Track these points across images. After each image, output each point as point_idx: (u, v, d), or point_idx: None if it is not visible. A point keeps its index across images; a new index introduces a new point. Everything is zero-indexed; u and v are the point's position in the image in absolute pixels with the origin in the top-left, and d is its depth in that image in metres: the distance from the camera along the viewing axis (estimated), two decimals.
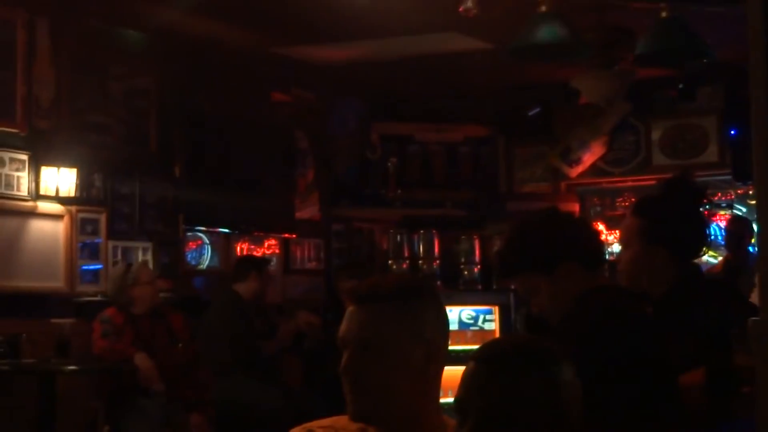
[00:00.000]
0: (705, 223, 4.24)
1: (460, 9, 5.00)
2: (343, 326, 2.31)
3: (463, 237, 9.18)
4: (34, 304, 6.73)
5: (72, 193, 6.98)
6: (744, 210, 9.49)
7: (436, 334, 2.33)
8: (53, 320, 6.71)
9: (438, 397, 2.35)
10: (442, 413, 2.34)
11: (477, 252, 9.11)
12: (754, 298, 3.60)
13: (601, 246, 3.33)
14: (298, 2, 6.45)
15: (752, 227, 8.59)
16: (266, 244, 8.88)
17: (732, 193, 9.50)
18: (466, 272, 9.13)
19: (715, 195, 9.58)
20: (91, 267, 7.21)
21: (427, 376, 2.30)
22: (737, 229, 8.53)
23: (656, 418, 2.99)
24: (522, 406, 1.98)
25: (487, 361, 2.05)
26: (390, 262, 9.07)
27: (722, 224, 9.30)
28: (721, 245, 9.02)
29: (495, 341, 2.26)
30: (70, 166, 6.95)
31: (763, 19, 2.57)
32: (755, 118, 2.51)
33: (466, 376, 2.06)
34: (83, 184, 7.07)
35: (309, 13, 6.70)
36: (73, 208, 7.06)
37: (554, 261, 3.20)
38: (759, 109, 2.50)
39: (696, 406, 3.37)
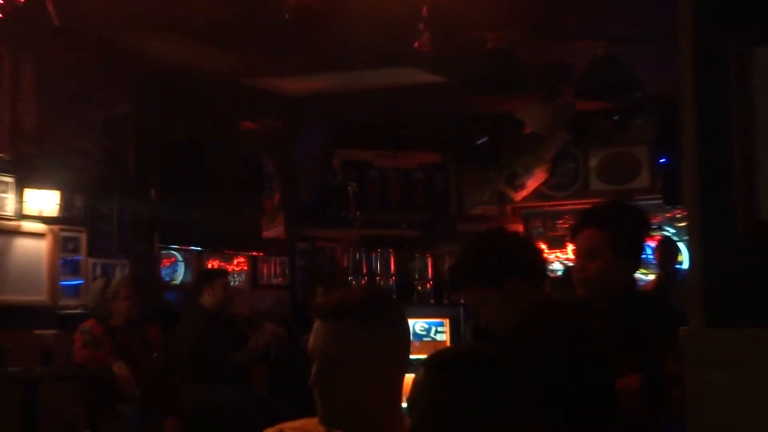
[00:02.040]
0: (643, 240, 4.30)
1: (416, 44, 5.02)
2: (312, 340, 2.30)
3: (416, 255, 9.25)
4: (19, 317, 6.67)
5: (54, 214, 6.95)
6: (672, 231, 9.57)
7: (398, 344, 2.34)
8: (37, 331, 6.61)
9: (400, 402, 2.35)
10: (403, 417, 2.34)
11: (429, 269, 9.17)
12: None
13: (544, 263, 3.40)
14: (267, 37, 6.45)
15: (678, 247, 8.68)
16: (235, 261, 8.85)
17: (661, 216, 9.56)
18: (419, 288, 9.19)
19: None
20: (73, 282, 7.16)
21: (390, 384, 2.31)
22: (666, 249, 8.61)
23: (592, 421, 3.01)
24: (461, 409, 1.96)
25: (432, 367, 2.05)
26: (350, 278, 9.11)
27: (652, 244, 9.38)
28: (652, 263, 9.08)
29: (443, 350, 2.26)
30: (53, 188, 6.92)
31: (694, 60, 2.62)
32: (685, 149, 2.57)
33: (415, 381, 2.06)
34: (65, 204, 7.04)
35: (277, 47, 6.70)
36: (56, 227, 7.01)
37: (502, 276, 3.23)
38: (688, 141, 2.56)
39: (631, 409, 3.40)
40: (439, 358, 2.11)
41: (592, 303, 3.49)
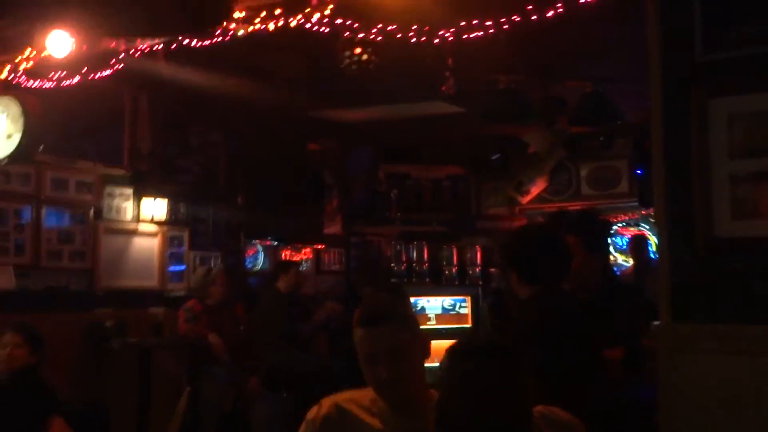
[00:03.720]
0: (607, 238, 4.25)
1: (443, 88, 4.98)
2: (370, 345, 2.23)
3: (444, 247, 9.19)
4: (136, 298, 6.74)
5: (163, 218, 7.02)
6: (647, 227, 9.45)
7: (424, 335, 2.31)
8: (150, 310, 6.71)
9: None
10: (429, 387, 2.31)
11: (455, 257, 9.11)
12: None
13: (542, 265, 3.10)
14: (327, 80, 6.45)
15: (648, 241, 8.58)
16: (303, 252, 8.86)
17: (638, 214, 9.46)
18: (446, 272, 9.14)
19: (626, 215, 9.59)
20: (178, 270, 7.22)
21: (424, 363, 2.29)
22: (638, 241, 8.50)
23: (584, 381, 2.97)
24: (477, 391, 1.92)
25: (455, 353, 2.01)
26: (392, 264, 9.09)
27: (627, 237, 9.28)
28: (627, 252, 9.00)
29: (463, 338, 2.18)
30: (162, 197, 6.98)
31: (661, 94, 2.58)
32: (654, 163, 2.53)
33: (441, 363, 2.02)
34: (172, 210, 7.10)
35: (334, 86, 6.69)
36: (165, 228, 7.08)
37: (506, 267, 3.22)
38: (657, 157, 2.52)
39: (616, 375, 3.36)
40: (461, 346, 2.07)
41: (575, 293, 3.45)
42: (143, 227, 6.89)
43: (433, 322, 8.90)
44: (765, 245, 2.38)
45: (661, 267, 2.49)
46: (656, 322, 2.53)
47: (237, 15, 4.43)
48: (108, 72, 4.86)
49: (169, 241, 7.10)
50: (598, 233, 3.88)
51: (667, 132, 2.51)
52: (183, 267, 7.22)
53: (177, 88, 6.69)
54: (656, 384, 2.61)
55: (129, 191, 6.77)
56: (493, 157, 9.28)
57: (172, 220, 7.10)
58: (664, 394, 2.46)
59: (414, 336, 2.27)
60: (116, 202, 6.68)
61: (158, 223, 6.98)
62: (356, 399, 2.36)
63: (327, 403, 2.36)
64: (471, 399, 1.92)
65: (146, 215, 6.87)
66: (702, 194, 2.44)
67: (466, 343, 2.09)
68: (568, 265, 3.18)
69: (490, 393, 1.91)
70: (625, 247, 9.20)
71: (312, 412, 2.36)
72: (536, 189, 9.37)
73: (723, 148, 2.44)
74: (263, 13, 4.36)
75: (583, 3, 4.32)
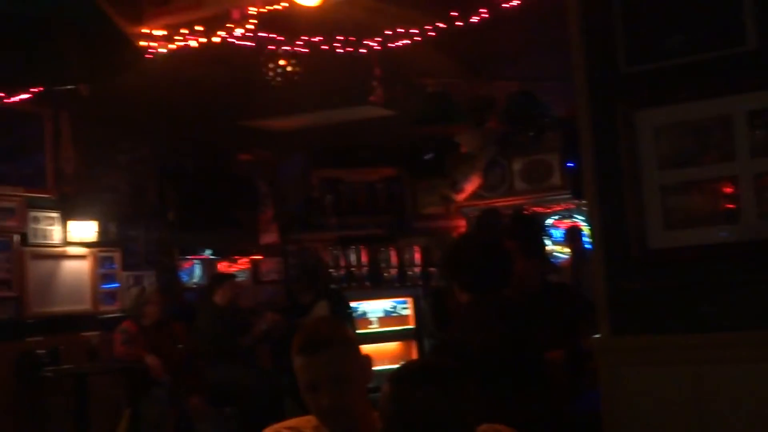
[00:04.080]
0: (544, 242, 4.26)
1: (372, 98, 4.94)
2: (311, 373, 2.15)
3: (382, 249, 9.16)
4: (68, 323, 6.57)
5: (93, 239, 6.84)
6: (581, 217, 9.56)
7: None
8: (83, 334, 6.53)
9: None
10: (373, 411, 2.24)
11: (394, 259, 9.09)
12: None
13: (482, 276, 3.09)
14: (256, 90, 6.34)
15: (582, 232, 8.68)
16: (240, 263, 8.73)
17: (573, 205, 9.56)
18: (386, 274, 9.11)
19: (560, 207, 9.70)
20: (110, 291, 7.04)
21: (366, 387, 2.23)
22: (573, 234, 8.60)
23: (527, 384, 2.96)
24: (421, 417, 1.88)
25: (397, 381, 1.95)
26: (331, 270, 9.01)
27: (563, 229, 9.37)
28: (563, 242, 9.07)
29: (406, 364, 2.11)
30: (91, 218, 6.81)
31: (588, 106, 2.57)
32: (584, 157, 2.52)
33: (383, 392, 1.97)
34: (101, 231, 6.91)
35: (264, 96, 6.59)
36: (95, 250, 6.90)
37: (449, 278, 3.20)
38: (586, 151, 2.51)
39: (559, 377, 3.36)
40: (402, 372, 2.03)
41: (516, 299, 3.43)
42: (72, 250, 6.71)
43: (376, 325, 8.89)
44: (698, 253, 2.39)
45: (597, 281, 2.49)
46: (597, 335, 2.52)
47: (157, 33, 4.33)
48: (26, 96, 4.71)
49: (100, 263, 6.92)
50: (534, 237, 3.89)
51: (596, 144, 2.50)
52: (117, 285, 7.04)
53: (100, 106, 6.53)
54: (599, 389, 2.61)
55: (55, 214, 6.58)
56: (426, 157, 9.27)
57: (102, 241, 6.93)
58: (607, 407, 2.46)
59: (356, 361, 2.21)
60: (42, 226, 6.48)
61: (88, 245, 6.80)
62: (299, 427, 2.29)
63: None
64: (412, 426, 1.89)
65: (75, 237, 6.68)
66: (634, 206, 2.44)
67: (406, 369, 2.05)
68: (509, 273, 3.17)
69: (431, 419, 1.88)
70: (561, 239, 9.29)
71: None
72: (471, 186, 9.39)
73: (652, 159, 2.44)
74: (183, 30, 4.27)
75: (506, 7, 4.34)
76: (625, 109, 2.45)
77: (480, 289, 3.06)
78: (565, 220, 9.69)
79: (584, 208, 9.34)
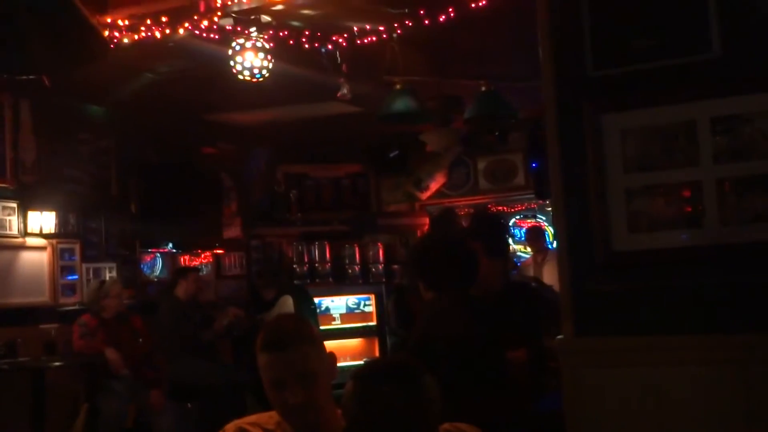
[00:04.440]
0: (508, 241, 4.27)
1: (338, 95, 4.91)
2: (276, 370, 2.13)
3: (347, 245, 9.13)
4: (26, 315, 6.45)
5: (53, 230, 6.72)
6: (543, 217, 9.65)
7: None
8: (41, 326, 6.42)
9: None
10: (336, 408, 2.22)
11: (357, 255, 9.06)
12: None
13: (446, 275, 3.14)
14: (222, 84, 6.28)
15: (544, 232, 8.76)
16: (203, 257, 8.66)
17: (535, 205, 9.64)
18: (350, 270, 9.08)
19: (523, 206, 9.77)
20: (70, 283, 6.93)
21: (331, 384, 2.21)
22: (535, 231, 8.67)
23: (487, 383, 2.97)
24: (382, 413, 1.88)
25: (360, 378, 1.96)
26: (295, 266, 8.97)
27: (524, 228, 9.45)
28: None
29: (369, 362, 2.13)
30: (50, 209, 6.69)
31: (555, 109, 2.58)
32: (550, 158, 2.53)
33: (346, 389, 1.97)
34: (61, 222, 6.81)
35: (229, 90, 6.54)
36: (54, 241, 6.78)
37: (415, 277, 3.23)
38: (552, 153, 2.52)
39: (520, 378, 3.38)
40: (366, 370, 2.02)
41: (480, 298, 3.45)
42: (31, 241, 6.59)
43: (338, 321, 8.86)
44: (661, 257, 2.41)
45: (562, 282, 2.50)
46: (559, 336, 2.53)
47: (120, 23, 4.26)
48: None
49: (59, 255, 6.82)
50: (498, 237, 3.90)
51: (562, 147, 2.51)
52: (76, 278, 6.94)
53: (63, 95, 6.42)
54: (558, 390, 2.62)
55: (14, 204, 6.45)
56: (392, 155, 9.27)
57: (61, 233, 6.81)
58: (570, 407, 2.47)
59: (321, 359, 2.20)
60: (0, 216, 6.35)
61: (47, 236, 6.69)
62: (261, 422, 2.28)
63: (231, 429, 2.26)
64: (375, 424, 1.89)
65: (34, 228, 6.56)
66: (599, 209, 2.45)
67: (369, 367, 2.04)
68: (474, 273, 3.19)
69: (394, 417, 1.88)
70: (523, 238, 9.35)
71: None
72: (435, 184, 9.42)
73: (618, 163, 2.46)
74: (148, 21, 4.21)
75: (474, 8, 4.34)
76: (591, 112, 2.46)
77: (445, 287, 3.08)
78: (528, 220, 9.78)
79: (548, 209, 9.48)
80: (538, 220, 9.65)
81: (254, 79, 4.78)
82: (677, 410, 2.29)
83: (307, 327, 2.24)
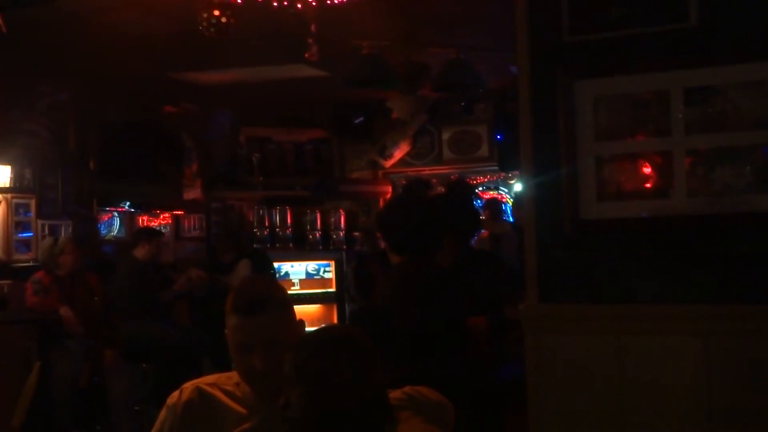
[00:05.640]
0: (476, 211, 4.25)
1: (306, 55, 4.83)
2: (246, 334, 2.07)
3: (308, 211, 9.05)
4: None
5: (7, 184, 6.58)
6: (506, 189, 9.67)
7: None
8: None
9: None
10: None
11: (318, 222, 8.97)
12: None
13: (410, 237, 3.11)
14: (187, 41, 6.15)
15: (501, 206, 8.77)
16: (162, 218, 8.53)
17: (497, 176, 9.66)
18: (310, 237, 9.00)
19: (485, 178, 9.77)
20: (24, 240, 6.78)
21: None
22: (495, 204, 8.68)
23: (446, 350, 2.96)
24: (322, 377, 1.84)
25: (302, 343, 1.92)
26: (255, 230, 8.89)
27: (483, 200, 9.45)
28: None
29: (318, 330, 2.06)
30: (5, 163, 6.54)
31: (528, 74, 2.55)
32: (521, 124, 2.50)
33: (288, 356, 1.92)
34: (16, 176, 6.66)
35: (194, 47, 6.40)
36: (9, 196, 6.62)
37: (382, 239, 3.19)
38: (524, 118, 2.49)
39: (483, 344, 3.38)
40: (306, 337, 1.97)
41: (441, 265, 3.42)
42: None
43: (297, 287, 8.81)
44: (628, 226, 2.40)
45: (528, 249, 2.48)
46: (523, 304, 2.51)
47: None
48: None
49: (14, 209, 6.65)
50: (454, 212, 3.86)
51: (534, 113, 2.48)
52: (31, 234, 6.79)
53: (20, 45, 6.22)
54: (523, 358, 2.62)
55: None
56: (356, 121, 9.19)
57: (16, 187, 6.66)
58: (532, 374, 2.46)
59: (292, 325, 2.15)
60: None
61: (1, 191, 6.51)
62: (220, 383, 2.23)
63: (189, 387, 2.21)
64: (314, 388, 1.85)
65: None
66: (569, 176, 2.43)
67: (311, 335, 1.99)
68: (438, 237, 3.16)
69: (332, 381, 1.84)
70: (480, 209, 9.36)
71: (173, 398, 2.21)
72: (399, 153, 9.38)
73: (589, 130, 2.43)
74: None
75: None
76: (565, 77, 2.43)
77: (411, 250, 3.05)
78: (491, 192, 9.79)
79: (510, 181, 9.51)
80: (501, 192, 9.67)
81: (219, 36, 4.67)
82: (640, 378, 2.30)
83: (281, 292, 2.19)
